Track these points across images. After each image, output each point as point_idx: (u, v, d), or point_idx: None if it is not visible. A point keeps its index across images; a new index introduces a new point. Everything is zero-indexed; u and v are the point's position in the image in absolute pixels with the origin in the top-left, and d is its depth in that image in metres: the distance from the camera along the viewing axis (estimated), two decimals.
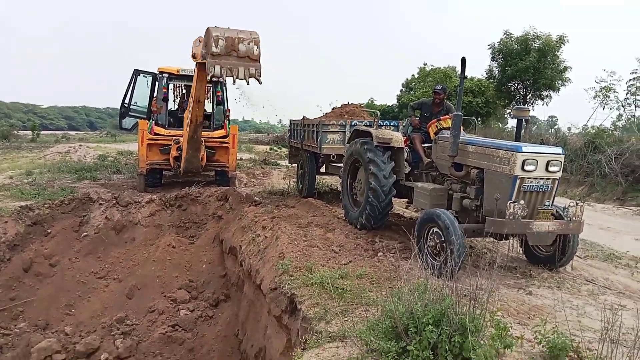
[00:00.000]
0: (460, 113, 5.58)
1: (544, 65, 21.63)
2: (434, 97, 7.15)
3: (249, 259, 6.82)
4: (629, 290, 4.93)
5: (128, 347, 6.74)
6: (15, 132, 30.31)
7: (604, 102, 17.61)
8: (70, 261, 8.28)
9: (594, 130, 17.26)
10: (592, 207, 10.97)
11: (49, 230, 8.79)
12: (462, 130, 6.13)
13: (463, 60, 5.52)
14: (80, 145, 20.00)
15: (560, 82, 22.31)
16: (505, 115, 27.11)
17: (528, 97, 23.27)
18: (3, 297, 7.51)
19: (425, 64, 30.78)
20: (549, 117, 39.56)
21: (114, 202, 9.49)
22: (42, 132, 35.22)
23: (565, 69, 22.19)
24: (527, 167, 4.78)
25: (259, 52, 6.90)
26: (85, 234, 8.85)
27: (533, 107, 23.70)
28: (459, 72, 5.60)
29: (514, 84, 23.15)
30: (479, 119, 24.79)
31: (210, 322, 7.45)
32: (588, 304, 4.41)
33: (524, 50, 21.91)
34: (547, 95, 22.94)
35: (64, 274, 8.00)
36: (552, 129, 27.04)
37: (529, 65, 21.28)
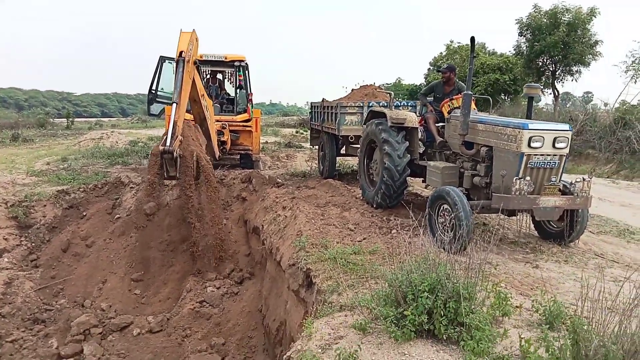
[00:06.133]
0: (469, 92, 5.66)
1: (574, 40, 20.89)
2: (441, 76, 7.24)
3: (271, 237, 7.11)
4: (637, 264, 4.98)
5: (159, 321, 7.16)
6: (51, 120, 31.02)
7: (636, 76, 16.98)
8: (105, 242, 8.73)
9: (624, 106, 16.77)
10: (617, 184, 10.82)
11: (84, 213, 9.32)
12: (474, 109, 6.22)
13: (472, 39, 5.60)
14: (112, 132, 20.56)
15: (590, 56, 21.56)
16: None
17: (557, 72, 22.64)
18: (45, 276, 8.03)
19: (451, 41, 30.09)
20: (585, 92, 38.30)
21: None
22: (76, 120, 36.09)
23: (596, 42, 21.36)
24: (533, 144, 4.86)
25: None
26: (118, 216, 9.30)
27: (562, 83, 23.10)
28: (470, 50, 5.68)
29: (543, 59, 22.47)
30: (507, 96, 24.27)
31: (236, 299, 7.78)
32: (593, 276, 4.50)
33: (553, 24, 21.16)
34: (577, 71, 22.23)
35: (99, 254, 8.48)
36: (587, 105, 26.31)
37: (558, 40, 20.57)
